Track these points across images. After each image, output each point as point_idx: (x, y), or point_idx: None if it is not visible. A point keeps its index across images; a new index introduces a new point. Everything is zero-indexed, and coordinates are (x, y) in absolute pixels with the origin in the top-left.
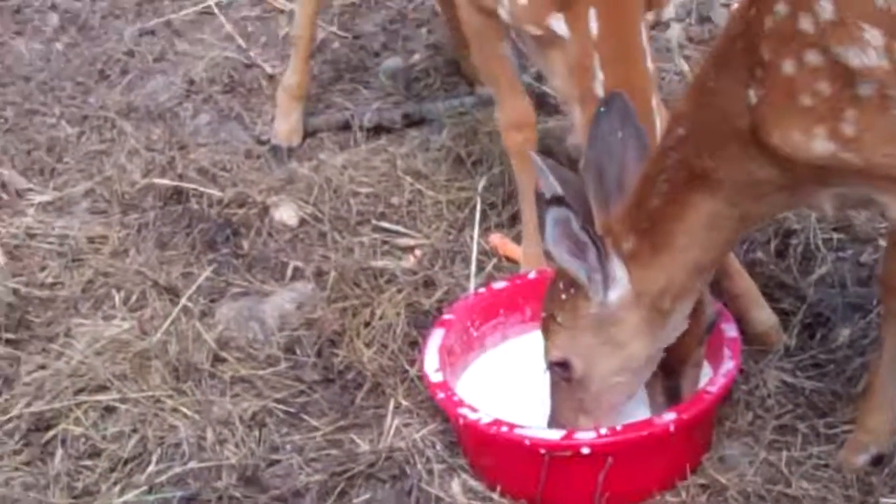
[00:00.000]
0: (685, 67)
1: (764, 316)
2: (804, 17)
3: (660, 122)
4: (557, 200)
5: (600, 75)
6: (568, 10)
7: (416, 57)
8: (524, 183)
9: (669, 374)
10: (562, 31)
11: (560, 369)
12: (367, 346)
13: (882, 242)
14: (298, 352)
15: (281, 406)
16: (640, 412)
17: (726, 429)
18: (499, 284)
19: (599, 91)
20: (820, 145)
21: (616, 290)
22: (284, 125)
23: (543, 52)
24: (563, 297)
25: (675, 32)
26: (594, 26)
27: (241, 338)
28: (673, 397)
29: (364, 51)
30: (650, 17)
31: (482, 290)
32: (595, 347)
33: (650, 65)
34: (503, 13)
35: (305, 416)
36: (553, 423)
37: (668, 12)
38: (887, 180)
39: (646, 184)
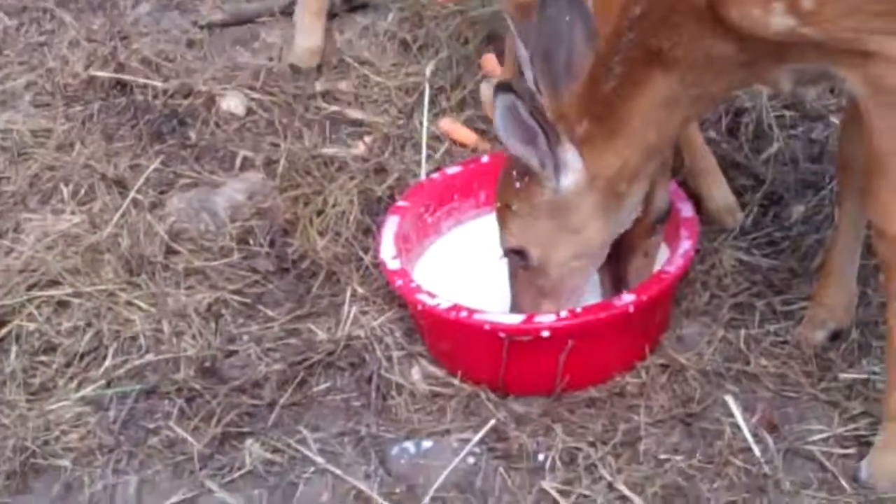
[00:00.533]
0: None
1: (723, 195)
2: None
3: None
4: (504, 87)
5: None
6: None
7: None
8: None
9: (618, 265)
10: None
11: (517, 257)
12: (321, 234)
13: (833, 119)
14: (251, 242)
15: (236, 297)
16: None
17: (683, 308)
18: (452, 169)
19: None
20: (778, 20)
21: (570, 176)
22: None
23: None
24: (517, 185)
25: None
26: None
27: (193, 229)
28: (619, 286)
29: None
30: None
31: (435, 175)
32: (551, 233)
33: None
34: None
35: (261, 307)
36: (514, 309)
37: None
38: (847, 54)
39: (599, 66)
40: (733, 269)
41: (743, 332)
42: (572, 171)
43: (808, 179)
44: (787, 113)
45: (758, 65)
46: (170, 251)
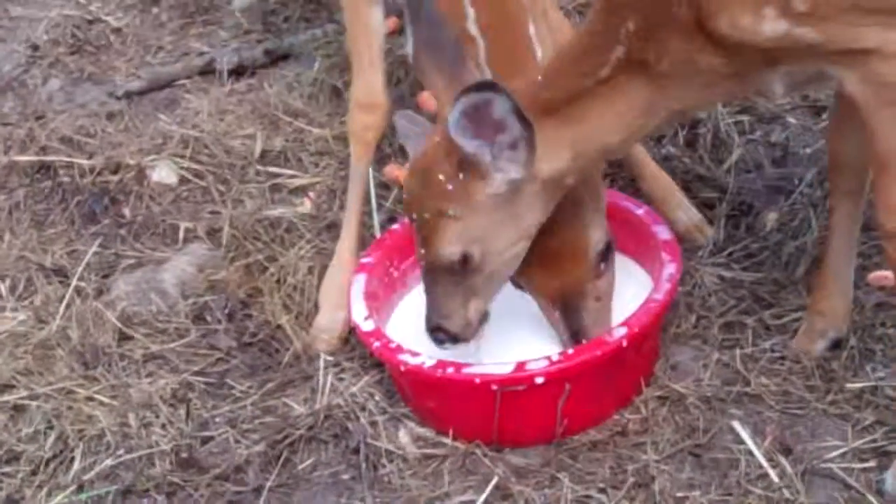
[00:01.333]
0: None
1: (688, 214)
2: None
3: (550, 43)
4: (485, 86)
5: (472, 12)
6: None
7: None
8: (357, 173)
9: (570, 313)
10: None
11: (458, 265)
12: (282, 302)
13: (791, 119)
14: (209, 319)
15: (201, 378)
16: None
17: (671, 334)
18: None
19: (473, 29)
20: (771, 26)
21: (524, 167)
22: None
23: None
24: (450, 187)
25: None
26: None
27: (145, 312)
28: (578, 336)
29: None
30: None
31: (395, 226)
32: (492, 227)
33: None
34: None
35: (229, 386)
36: (434, 319)
37: None
38: (845, 53)
39: (565, 66)
40: (716, 288)
41: (738, 351)
42: (526, 165)
43: (776, 185)
44: (744, 118)
45: (749, 74)
46: (124, 338)
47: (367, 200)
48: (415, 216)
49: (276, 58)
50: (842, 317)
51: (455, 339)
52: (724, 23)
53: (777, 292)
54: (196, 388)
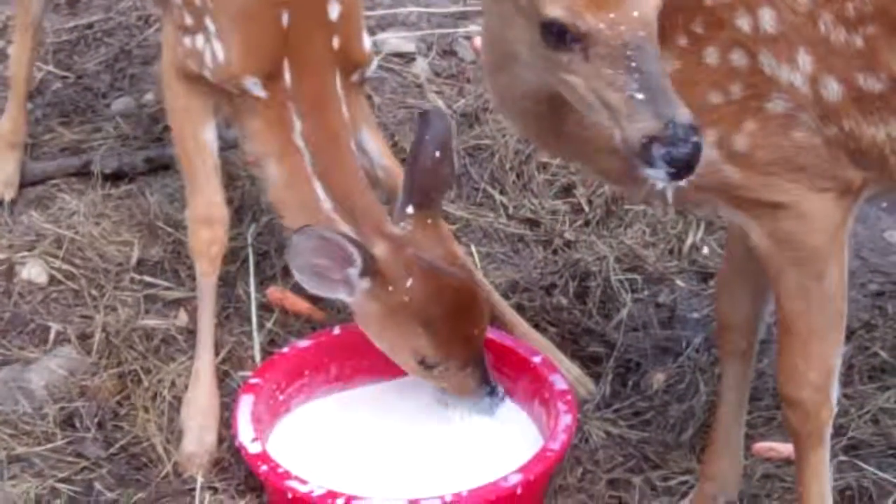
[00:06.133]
0: (439, 103)
1: (568, 370)
2: (743, 15)
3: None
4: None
5: (298, 124)
6: (265, 69)
7: (149, 96)
8: (207, 288)
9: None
10: (258, 91)
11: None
12: (156, 417)
13: (679, 282)
14: (77, 425)
15: (66, 486)
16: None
17: (557, 485)
18: (303, 343)
19: (299, 141)
20: (704, 149)
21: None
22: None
23: (241, 116)
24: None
25: (422, 68)
26: (288, 79)
27: (9, 411)
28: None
29: (90, 91)
30: (355, 77)
31: (286, 349)
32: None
33: (346, 112)
34: (207, 73)
35: (97, 496)
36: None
37: (372, 69)
38: (756, 204)
39: None
40: (604, 443)
41: None
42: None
43: (663, 345)
44: (631, 276)
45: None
46: None
47: (248, 321)
48: None
49: (157, 166)
50: (733, 482)
51: None
52: None
53: (665, 453)
54: (62, 495)
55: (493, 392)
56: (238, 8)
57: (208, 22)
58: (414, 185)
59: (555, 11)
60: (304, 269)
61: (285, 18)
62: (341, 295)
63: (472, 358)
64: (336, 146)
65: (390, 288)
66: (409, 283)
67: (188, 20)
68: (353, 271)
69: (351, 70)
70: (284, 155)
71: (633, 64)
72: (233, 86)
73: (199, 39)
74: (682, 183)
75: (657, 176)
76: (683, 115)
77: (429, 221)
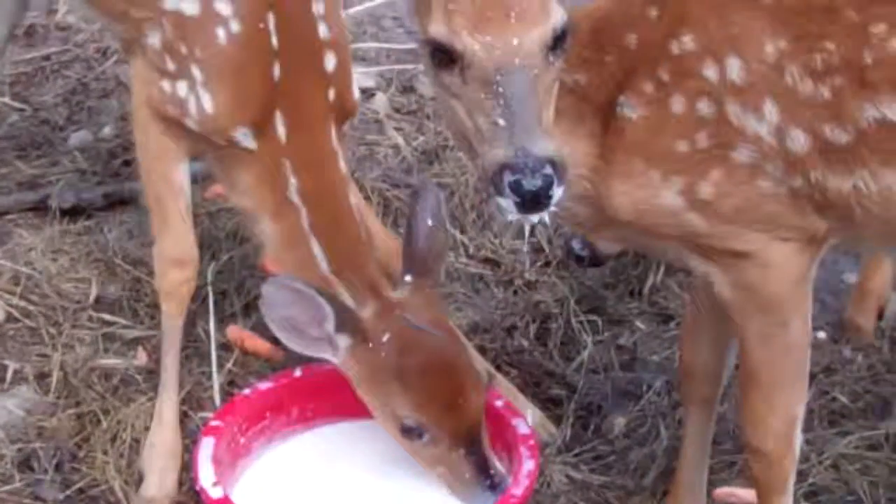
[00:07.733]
0: (399, 140)
1: (529, 414)
2: (711, 65)
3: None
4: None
5: (294, 181)
6: (254, 122)
7: (107, 130)
8: (174, 329)
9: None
10: (248, 143)
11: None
12: (115, 459)
13: (639, 324)
14: (35, 466)
15: None
16: None
17: None
18: (264, 384)
19: (295, 198)
20: (669, 195)
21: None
22: None
23: (228, 167)
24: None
25: (381, 104)
26: (282, 133)
27: None
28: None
29: (47, 125)
30: (345, 128)
31: (247, 391)
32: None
33: (343, 166)
34: (190, 122)
35: None
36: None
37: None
38: (721, 252)
39: None
40: (566, 488)
41: None
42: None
43: (624, 388)
44: (592, 318)
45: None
46: None
47: (207, 361)
48: None
49: (115, 201)
50: None
51: None
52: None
53: (625, 499)
54: None
55: (493, 486)
56: (228, 59)
57: (195, 70)
58: (412, 256)
59: (437, 30)
60: (281, 323)
61: (276, 70)
62: (327, 355)
63: (465, 436)
64: (335, 203)
65: (370, 345)
66: (385, 338)
67: (170, 65)
68: (329, 327)
69: (343, 121)
70: (279, 214)
71: (501, 89)
72: (220, 137)
73: (182, 87)
74: (534, 219)
75: (506, 207)
76: (540, 146)
77: (426, 290)
